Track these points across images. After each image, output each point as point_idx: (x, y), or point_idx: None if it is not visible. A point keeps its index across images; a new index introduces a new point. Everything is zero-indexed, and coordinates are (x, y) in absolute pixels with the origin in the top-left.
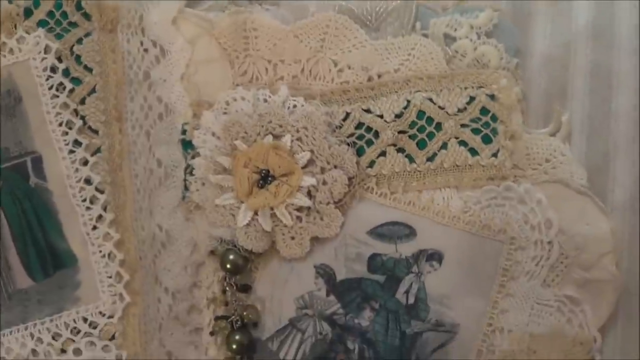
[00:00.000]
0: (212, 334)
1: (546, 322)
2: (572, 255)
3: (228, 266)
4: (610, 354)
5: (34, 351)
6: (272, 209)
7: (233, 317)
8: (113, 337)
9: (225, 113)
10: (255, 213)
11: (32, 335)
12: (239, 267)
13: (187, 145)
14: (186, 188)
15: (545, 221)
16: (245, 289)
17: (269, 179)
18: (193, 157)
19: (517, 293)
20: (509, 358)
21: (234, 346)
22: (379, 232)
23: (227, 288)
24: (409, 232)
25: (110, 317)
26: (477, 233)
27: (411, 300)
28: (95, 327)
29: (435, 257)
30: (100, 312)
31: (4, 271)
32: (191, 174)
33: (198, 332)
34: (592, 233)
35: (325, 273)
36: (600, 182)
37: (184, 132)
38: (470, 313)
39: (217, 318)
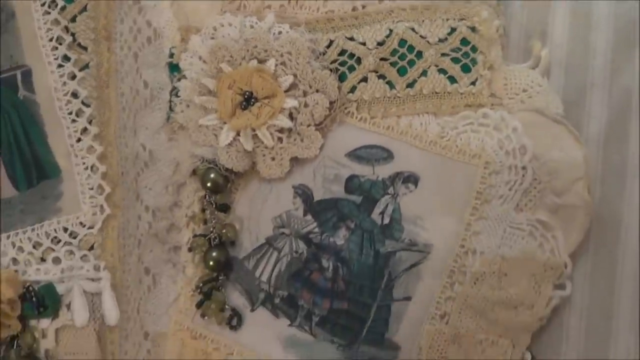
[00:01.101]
0: (190, 250)
1: (518, 245)
2: (545, 181)
3: (208, 185)
4: (580, 281)
5: (14, 260)
6: (253, 130)
7: (211, 234)
8: (92, 248)
9: (212, 38)
10: (237, 134)
11: (13, 244)
12: (219, 185)
13: (173, 68)
14: (171, 109)
15: (520, 147)
16: (225, 208)
17: (252, 100)
18: (179, 80)
19: (490, 216)
20: (480, 280)
21: (211, 263)
22: (358, 155)
23: (207, 207)
24: (387, 155)
25: (90, 227)
26: (453, 157)
27: (386, 221)
28: (75, 237)
29: (411, 179)
30: (81, 223)
31: None
32: (176, 95)
33: (177, 251)
34: (565, 159)
35: (303, 193)
36: (576, 115)
37: (171, 55)
38: (444, 234)
39: (195, 236)
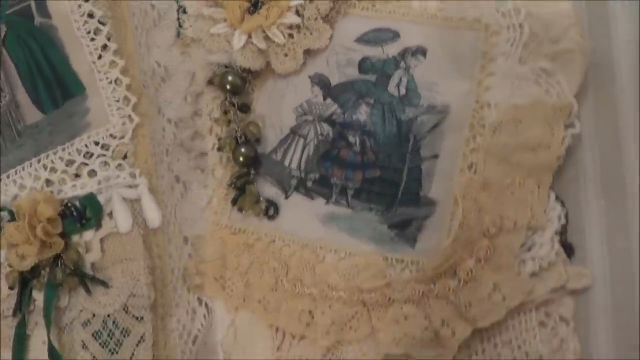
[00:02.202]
0: (219, 149)
1: (527, 93)
2: (542, 33)
3: (228, 87)
4: (587, 119)
5: (48, 181)
6: (264, 31)
7: (237, 133)
8: (125, 157)
9: None
10: (249, 36)
11: (45, 167)
12: (237, 87)
13: None
14: (180, 26)
15: (514, 8)
16: (246, 108)
17: (259, 4)
18: None
19: (497, 71)
20: (498, 129)
21: (241, 159)
22: (366, 39)
23: (229, 109)
24: (393, 35)
25: (122, 138)
26: (455, 26)
27: (402, 92)
28: (107, 149)
29: (419, 51)
30: (111, 135)
31: (13, 110)
32: (184, 12)
33: (203, 157)
34: (556, 10)
35: (320, 81)
36: None
37: None
38: (458, 94)
39: (220, 139)
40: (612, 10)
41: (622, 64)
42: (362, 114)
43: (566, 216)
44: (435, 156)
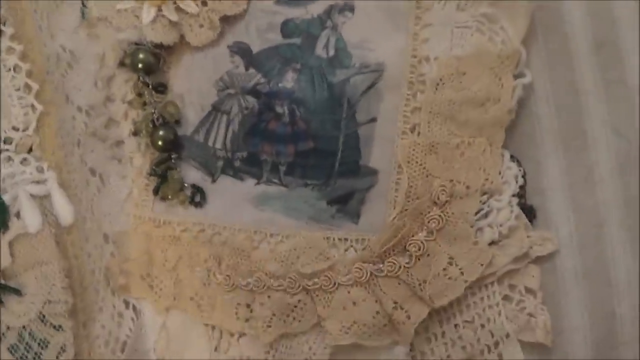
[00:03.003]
0: (134, 134)
1: (469, 42)
2: None
3: (140, 66)
4: (539, 68)
5: None
6: (175, 2)
7: (154, 115)
8: (30, 150)
9: None
10: (159, 9)
11: None
12: (150, 64)
13: None
14: (84, 5)
15: None
16: (161, 87)
17: None
18: None
19: (434, 21)
20: (441, 84)
21: (160, 143)
22: None
23: (143, 90)
24: None
25: (25, 130)
26: None
27: (331, 53)
28: (10, 143)
29: (346, 7)
30: (13, 127)
31: None
32: None
33: (119, 145)
34: None
35: (239, 49)
36: None
37: None
38: (393, 49)
39: (138, 122)
40: None
41: (571, 3)
42: (289, 81)
43: (524, 176)
44: (373, 120)
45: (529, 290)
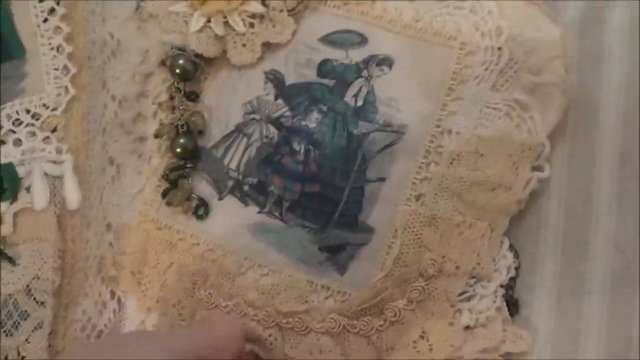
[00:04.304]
0: (156, 136)
1: (494, 125)
2: (522, 60)
3: (177, 71)
4: (559, 165)
5: None
6: (224, 16)
7: (179, 122)
8: (55, 130)
9: None
10: (208, 20)
11: None
12: (188, 72)
13: None
14: None
15: (496, 28)
16: (193, 96)
17: None
18: None
19: (466, 96)
20: (456, 160)
21: (178, 150)
22: (331, 39)
23: (175, 94)
24: (361, 40)
25: (54, 109)
26: (428, 40)
27: (359, 103)
28: (37, 119)
29: (385, 62)
30: (44, 105)
31: None
32: None
33: (142, 141)
34: (541, 38)
35: (274, 78)
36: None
37: None
38: (419, 115)
39: (162, 124)
40: (607, 46)
41: (608, 107)
42: (312, 121)
43: (517, 268)
44: (382, 179)
45: None
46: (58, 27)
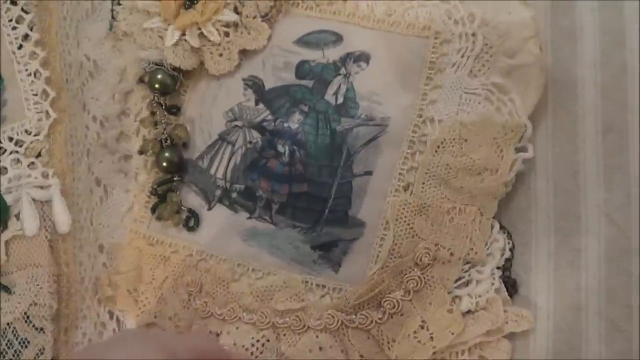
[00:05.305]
0: (141, 153)
1: (475, 110)
2: (497, 44)
3: (156, 86)
4: (543, 144)
5: None
6: (199, 28)
7: (162, 136)
8: (39, 155)
9: None
10: (183, 33)
11: None
12: (167, 86)
13: None
14: (113, 18)
15: (468, 15)
16: (175, 109)
17: (195, 0)
18: None
19: (445, 84)
20: (441, 147)
21: (164, 164)
22: (306, 40)
23: (156, 109)
24: (336, 39)
25: (36, 135)
26: (402, 32)
27: (340, 100)
28: (20, 145)
29: (362, 58)
30: (26, 130)
31: None
32: (118, 4)
33: (127, 160)
34: (513, 20)
35: (253, 84)
36: None
37: None
38: (400, 106)
39: (146, 140)
40: (579, 22)
41: (587, 83)
42: (295, 122)
43: (512, 249)
44: (369, 172)
45: None
46: (34, 53)
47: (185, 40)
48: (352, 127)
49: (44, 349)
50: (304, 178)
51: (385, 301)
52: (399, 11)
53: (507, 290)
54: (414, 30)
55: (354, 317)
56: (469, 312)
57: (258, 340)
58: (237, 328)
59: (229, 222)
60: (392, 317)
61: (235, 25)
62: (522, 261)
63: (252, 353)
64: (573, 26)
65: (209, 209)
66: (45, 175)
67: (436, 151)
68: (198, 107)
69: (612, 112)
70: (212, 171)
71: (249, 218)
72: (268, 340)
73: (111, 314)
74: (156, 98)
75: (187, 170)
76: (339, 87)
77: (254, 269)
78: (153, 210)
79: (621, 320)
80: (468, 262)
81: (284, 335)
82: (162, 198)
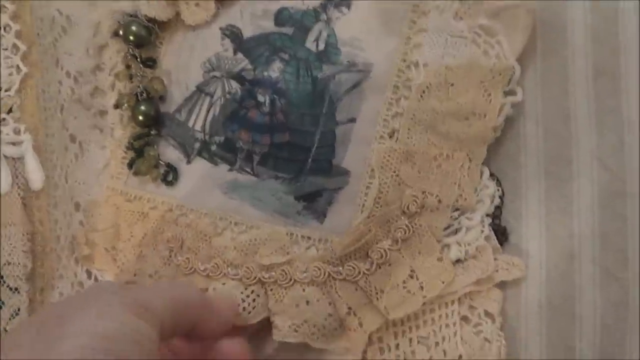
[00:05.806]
0: (116, 107)
1: (462, 53)
2: None
3: (131, 38)
4: (532, 88)
5: None
6: None
7: (138, 89)
8: (10, 111)
9: None
10: None
11: None
12: (142, 38)
13: None
14: None
15: None
16: (151, 62)
17: None
18: None
19: (429, 27)
20: (426, 92)
21: (140, 117)
22: None
23: (131, 62)
24: None
25: (7, 90)
26: None
27: (321, 47)
28: None
29: (343, 3)
30: None
31: None
32: None
33: (103, 115)
34: None
35: (231, 33)
36: None
37: None
38: (383, 51)
39: (121, 94)
40: None
41: (576, 25)
42: (275, 70)
43: (502, 196)
44: (352, 120)
45: (488, 314)
46: (3, 6)
47: None
48: (335, 74)
49: (19, 310)
50: (285, 127)
51: (372, 251)
52: None
53: (497, 238)
54: None
55: (340, 268)
56: (458, 261)
57: (248, 296)
58: (223, 284)
59: (209, 175)
60: (380, 267)
61: None
62: (513, 208)
63: (244, 309)
64: None
65: (188, 162)
66: (17, 132)
67: (422, 96)
68: (174, 59)
69: (604, 55)
70: (191, 124)
71: (230, 170)
72: (258, 296)
73: (89, 273)
74: (131, 51)
75: (165, 123)
76: (319, 34)
77: (237, 222)
78: (130, 165)
79: (616, 268)
80: (457, 209)
81: (271, 290)
82: (139, 153)
